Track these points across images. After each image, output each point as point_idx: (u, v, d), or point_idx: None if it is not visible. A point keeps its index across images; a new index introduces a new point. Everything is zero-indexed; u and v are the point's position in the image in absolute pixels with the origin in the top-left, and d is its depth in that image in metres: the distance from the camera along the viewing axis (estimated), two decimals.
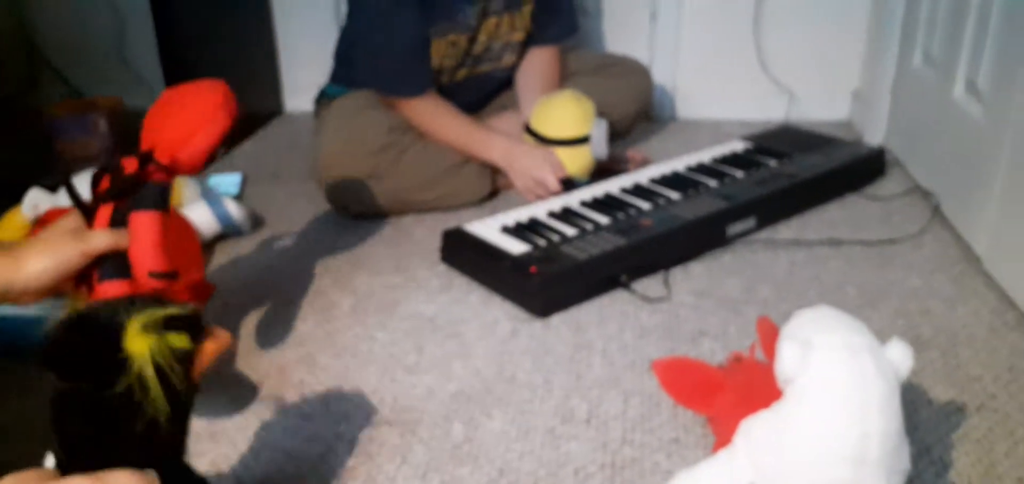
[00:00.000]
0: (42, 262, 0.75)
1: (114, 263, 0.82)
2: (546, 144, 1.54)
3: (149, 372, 0.56)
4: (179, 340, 0.58)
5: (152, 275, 0.83)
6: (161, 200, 0.84)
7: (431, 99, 1.58)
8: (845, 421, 0.67)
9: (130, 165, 0.85)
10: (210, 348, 0.62)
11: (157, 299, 0.61)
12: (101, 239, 0.78)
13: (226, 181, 1.71)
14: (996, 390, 0.96)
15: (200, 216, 1.38)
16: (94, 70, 2.29)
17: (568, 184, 1.52)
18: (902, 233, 1.39)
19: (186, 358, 0.59)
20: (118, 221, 0.82)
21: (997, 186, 1.22)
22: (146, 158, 0.86)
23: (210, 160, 0.95)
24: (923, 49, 1.62)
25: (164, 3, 1.72)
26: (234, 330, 1.16)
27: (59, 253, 0.75)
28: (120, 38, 2.27)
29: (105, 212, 0.83)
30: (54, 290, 0.77)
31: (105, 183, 0.84)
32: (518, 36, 1.67)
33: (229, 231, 1.44)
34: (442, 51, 1.58)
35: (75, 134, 1.90)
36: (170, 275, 0.84)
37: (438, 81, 1.62)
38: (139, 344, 0.56)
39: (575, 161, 1.54)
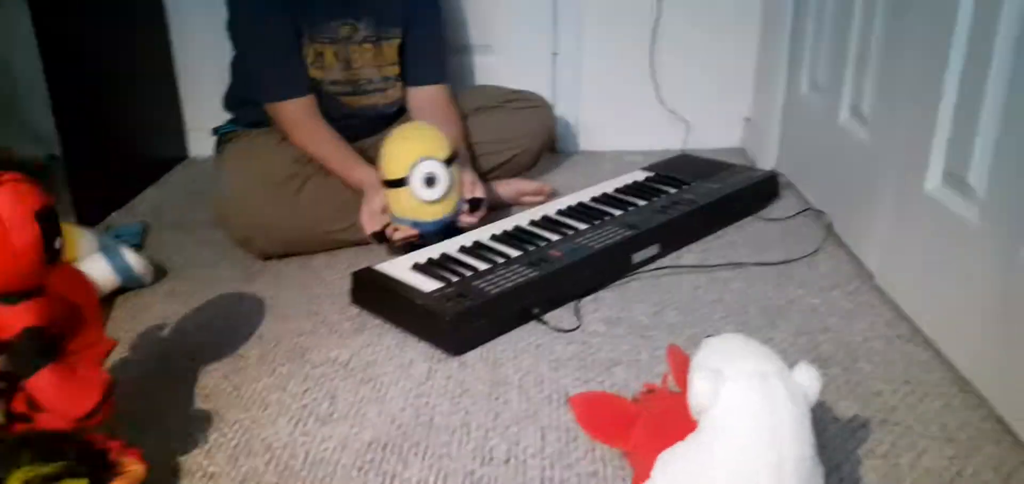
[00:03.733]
0: None
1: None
2: (385, 186, 1.43)
3: None
4: None
5: (80, 421, 0.77)
6: (44, 352, 0.78)
7: (311, 116, 1.57)
8: (760, 449, 0.70)
9: None
10: None
11: (55, 439, 0.55)
12: None
13: (126, 231, 1.64)
14: (896, 403, 1.01)
15: (98, 269, 1.32)
16: None
17: (379, 237, 1.45)
18: (798, 253, 1.45)
19: None
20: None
21: (885, 205, 1.30)
22: None
23: (43, 262, 0.81)
24: (809, 77, 1.71)
25: (56, 48, 1.64)
26: (135, 387, 1.11)
27: None
28: (9, 84, 2.16)
29: None
30: None
31: None
32: (394, 69, 1.69)
33: (130, 283, 1.38)
34: (311, 59, 1.59)
35: None
36: (97, 409, 0.78)
37: (326, 109, 1.60)
38: None
39: (401, 203, 1.42)
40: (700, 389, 0.71)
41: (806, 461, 0.71)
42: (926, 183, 1.16)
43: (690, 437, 0.73)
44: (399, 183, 1.41)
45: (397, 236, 1.44)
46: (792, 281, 1.35)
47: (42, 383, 0.76)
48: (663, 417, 0.79)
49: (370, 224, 1.45)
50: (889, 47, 1.31)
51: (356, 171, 1.52)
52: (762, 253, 1.46)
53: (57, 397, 0.76)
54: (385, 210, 1.45)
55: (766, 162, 1.91)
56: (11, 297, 0.79)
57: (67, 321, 1.05)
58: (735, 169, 1.72)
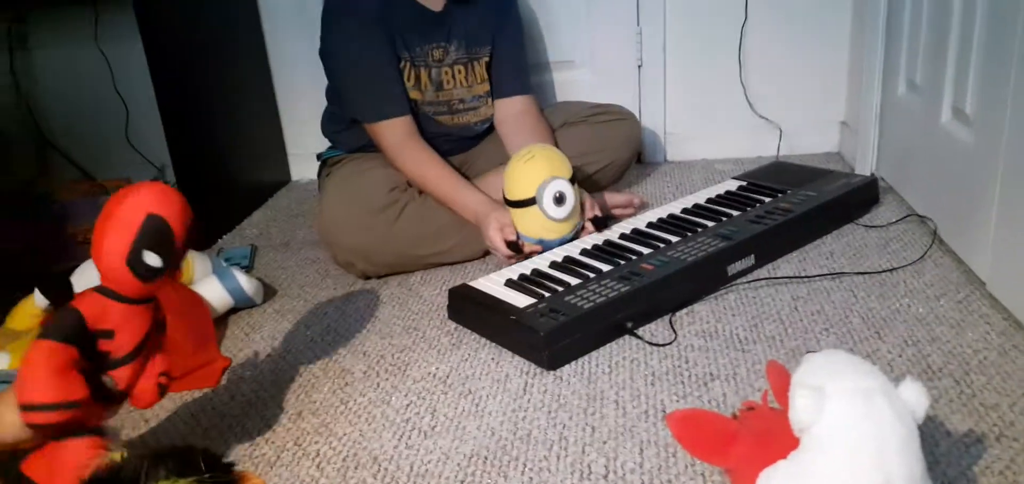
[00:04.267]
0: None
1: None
2: (509, 206, 1.51)
3: None
4: None
5: (25, 408, 0.78)
6: (54, 330, 0.82)
7: (413, 138, 1.62)
8: (865, 468, 0.68)
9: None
10: None
11: (187, 453, 0.58)
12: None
13: (236, 254, 1.74)
14: (1014, 417, 0.97)
15: (211, 292, 1.40)
16: (102, 154, 2.33)
17: (515, 246, 1.48)
18: (902, 261, 1.41)
19: None
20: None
21: (994, 208, 1.25)
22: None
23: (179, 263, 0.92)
24: (906, 77, 1.66)
25: (168, 85, 1.75)
26: (248, 402, 1.18)
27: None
28: (126, 121, 2.32)
29: None
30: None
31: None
32: (482, 87, 1.72)
33: (242, 304, 1.46)
34: (407, 80, 1.63)
35: (85, 217, 1.92)
36: (49, 407, 0.79)
37: (421, 128, 1.66)
38: None
39: (529, 222, 1.48)
40: (802, 406, 0.71)
41: (916, 480, 0.70)
42: None
43: (792, 455, 0.73)
44: (527, 203, 1.47)
45: (526, 249, 1.49)
46: (897, 290, 1.31)
47: (29, 352, 0.81)
48: (764, 434, 0.79)
49: (502, 237, 1.49)
50: (992, 43, 1.26)
51: (464, 196, 1.57)
52: (863, 262, 1.42)
53: (25, 370, 0.80)
54: (509, 227, 1.50)
55: (864, 167, 1.86)
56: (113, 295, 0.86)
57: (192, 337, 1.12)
58: (832, 175, 1.68)
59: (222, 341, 1.38)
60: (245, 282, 1.45)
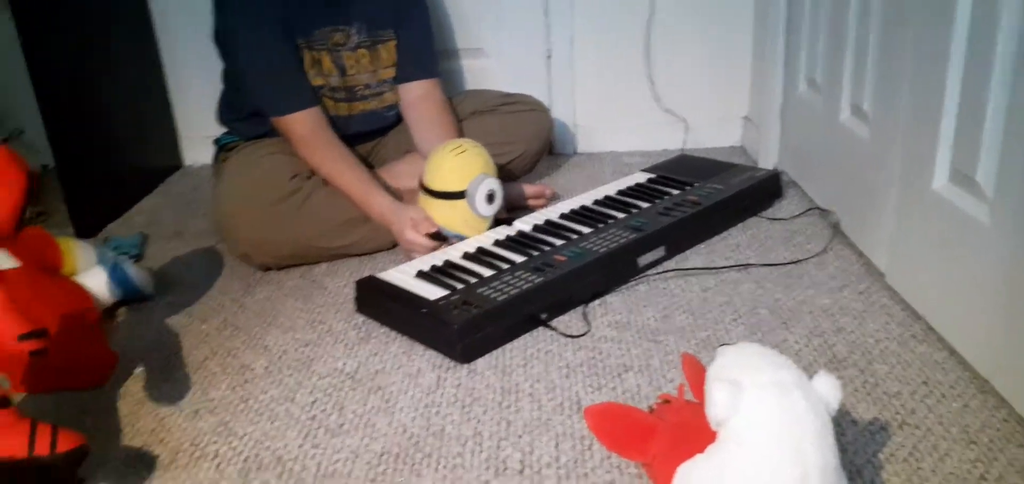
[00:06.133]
0: None
1: None
2: (431, 196, 1.48)
3: None
4: None
5: (22, 338, 0.78)
6: None
7: (322, 132, 1.56)
8: (783, 461, 0.69)
9: None
10: None
11: (20, 468, 0.51)
12: None
13: (125, 243, 1.62)
14: (915, 405, 1.00)
15: (97, 283, 1.30)
16: None
17: (440, 236, 1.46)
18: (806, 253, 1.44)
19: None
20: None
21: (892, 203, 1.29)
22: None
23: (14, 224, 0.93)
24: (806, 75, 1.70)
25: (43, 59, 1.62)
26: (140, 400, 1.09)
27: None
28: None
29: None
30: None
31: None
32: (388, 73, 1.68)
33: (131, 296, 1.36)
34: (308, 65, 1.58)
35: None
36: (39, 333, 0.79)
37: (327, 115, 1.59)
38: None
39: (454, 216, 1.46)
40: (719, 400, 0.70)
41: (830, 472, 0.70)
42: (933, 181, 1.15)
43: (710, 449, 0.72)
44: (454, 196, 1.44)
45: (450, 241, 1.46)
46: (801, 282, 1.34)
47: None
48: (681, 428, 0.78)
49: (419, 231, 1.44)
50: (887, 44, 1.31)
51: (374, 200, 1.51)
52: (769, 254, 1.45)
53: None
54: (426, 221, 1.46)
55: (767, 161, 1.91)
56: None
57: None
58: (737, 169, 1.71)
59: (110, 336, 1.28)
60: (134, 273, 1.35)
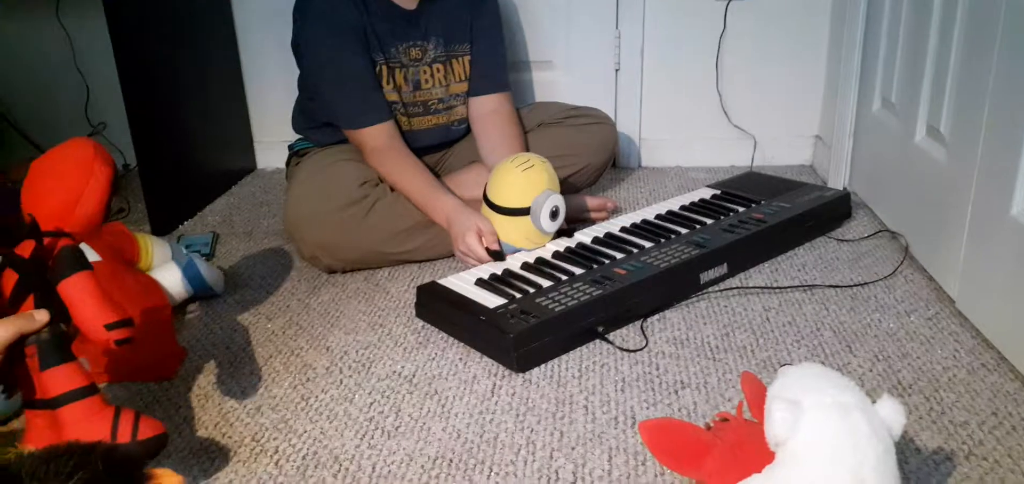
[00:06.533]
0: None
1: (51, 348, 0.81)
2: (494, 211, 1.48)
3: None
4: None
5: (109, 327, 0.82)
6: (80, 260, 0.84)
7: (395, 144, 1.58)
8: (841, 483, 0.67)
9: (26, 248, 0.84)
10: None
11: (82, 452, 0.54)
12: (1, 333, 0.76)
13: (197, 241, 1.68)
14: (983, 436, 0.97)
15: (170, 279, 1.35)
16: (62, 133, 2.25)
17: (499, 255, 1.44)
18: (873, 275, 1.40)
19: None
20: (41, 303, 0.81)
21: (965, 228, 1.25)
22: (37, 234, 0.84)
23: (103, 216, 0.95)
24: (882, 94, 1.66)
25: (132, 63, 1.70)
26: (205, 395, 1.13)
27: None
28: (86, 99, 2.25)
29: (28, 301, 0.82)
30: None
31: (10, 275, 0.82)
32: (461, 87, 1.69)
33: (201, 293, 1.41)
34: (383, 81, 1.60)
35: None
36: (126, 322, 0.82)
37: (398, 128, 1.62)
38: None
39: (516, 231, 1.46)
40: (779, 420, 0.69)
41: None
42: (1012, 207, 1.11)
43: (767, 469, 0.71)
44: (518, 212, 1.44)
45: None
46: (868, 305, 1.31)
47: (71, 289, 0.82)
48: (738, 447, 0.77)
49: (480, 247, 1.44)
50: (969, 65, 1.26)
51: (439, 201, 1.52)
52: (835, 275, 1.42)
53: (82, 301, 0.82)
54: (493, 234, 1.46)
55: (837, 181, 1.87)
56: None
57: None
58: (806, 188, 1.68)
59: (180, 331, 1.33)
60: (206, 270, 1.40)
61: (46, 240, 0.84)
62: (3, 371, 0.76)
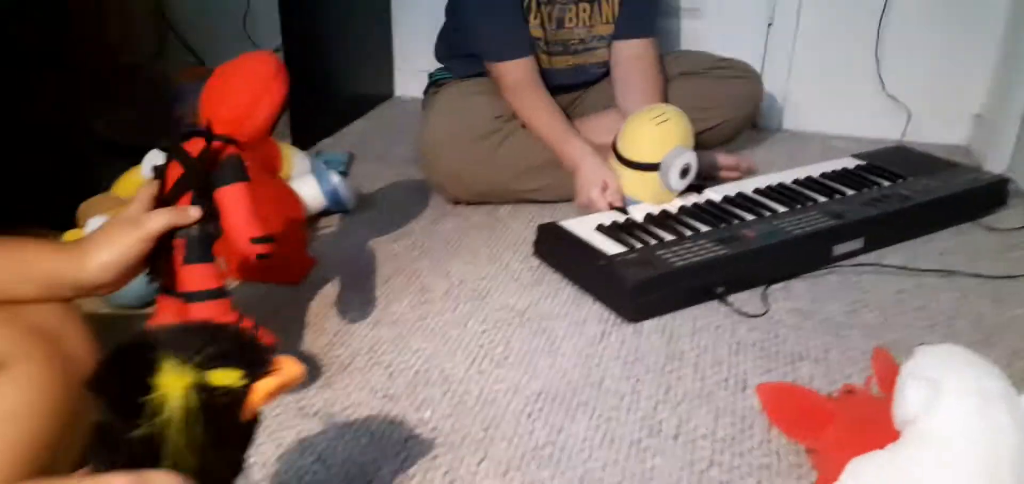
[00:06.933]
0: (104, 255, 0.74)
1: (197, 246, 0.85)
2: (622, 163, 1.45)
3: (177, 416, 0.50)
4: (224, 377, 0.52)
5: (254, 241, 0.86)
6: (241, 171, 0.88)
7: (533, 81, 1.58)
8: (975, 475, 0.63)
9: (194, 146, 0.88)
10: (268, 387, 0.54)
11: (214, 330, 0.55)
12: (157, 221, 0.79)
13: (335, 159, 1.76)
14: None
15: (308, 190, 1.42)
16: (219, 42, 2.38)
17: (623, 212, 1.41)
18: (1022, 269, 1.30)
19: (233, 398, 0.52)
20: (198, 201, 0.85)
21: None
22: (209, 136, 0.88)
23: (270, 131, 0.97)
24: None
25: None
26: (328, 304, 1.19)
27: (118, 244, 0.76)
28: (245, 10, 2.36)
29: (186, 197, 0.86)
30: (125, 279, 0.78)
31: (175, 169, 0.87)
32: (606, 28, 1.66)
33: (335, 207, 1.48)
34: (529, 19, 1.59)
35: (194, 101, 1.97)
36: (269, 239, 0.87)
37: (539, 64, 1.62)
38: (172, 383, 0.50)
39: (644, 187, 1.43)
40: (914, 397, 0.66)
41: None
42: None
43: (890, 447, 0.68)
44: (647, 167, 1.41)
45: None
46: (1013, 299, 1.21)
47: (228, 197, 0.87)
48: (861, 421, 0.74)
49: (602, 201, 1.43)
50: None
51: (570, 146, 1.51)
52: (979, 264, 1.32)
53: (235, 211, 0.87)
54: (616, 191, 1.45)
55: (996, 165, 1.73)
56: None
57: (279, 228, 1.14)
58: (959, 168, 1.57)
59: (311, 241, 1.40)
60: (341, 186, 1.46)
61: (215, 143, 0.89)
62: (152, 258, 0.81)
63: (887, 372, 0.77)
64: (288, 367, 0.55)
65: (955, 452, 0.65)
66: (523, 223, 1.48)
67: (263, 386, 0.54)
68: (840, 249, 1.32)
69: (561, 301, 1.21)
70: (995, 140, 1.75)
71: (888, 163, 1.59)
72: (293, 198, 1.34)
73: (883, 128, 1.98)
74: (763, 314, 1.17)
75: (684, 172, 1.41)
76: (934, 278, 1.28)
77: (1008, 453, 0.64)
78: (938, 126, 1.96)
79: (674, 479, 0.85)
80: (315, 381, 1.01)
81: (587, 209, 1.46)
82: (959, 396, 0.66)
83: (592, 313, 1.17)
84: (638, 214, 1.37)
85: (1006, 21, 1.83)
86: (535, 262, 1.33)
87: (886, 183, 1.49)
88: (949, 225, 1.45)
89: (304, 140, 1.87)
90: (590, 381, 1.01)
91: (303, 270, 1.26)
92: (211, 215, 0.86)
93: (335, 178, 1.46)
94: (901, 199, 1.41)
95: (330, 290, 1.24)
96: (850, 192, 1.45)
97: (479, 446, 0.90)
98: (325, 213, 1.49)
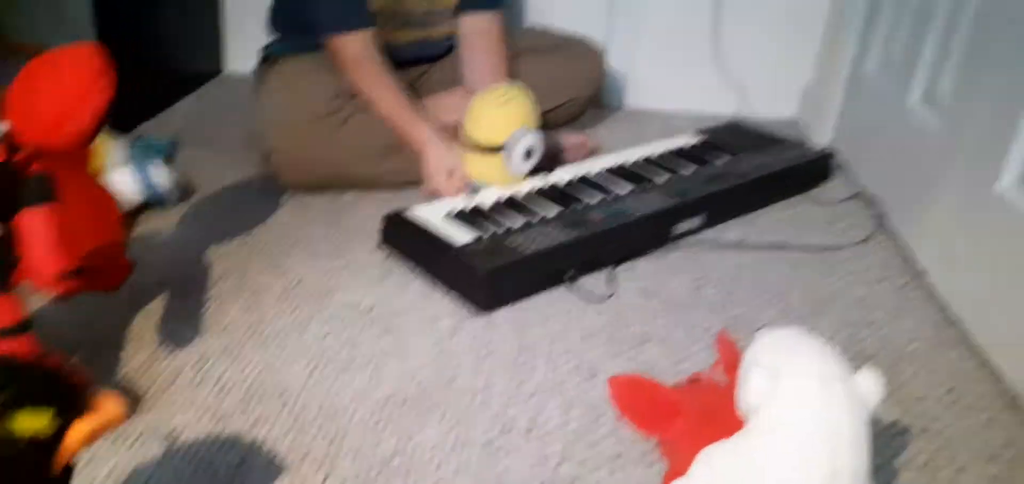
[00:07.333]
0: None
1: None
2: (469, 145, 1.42)
3: None
4: (31, 422, 0.46)
5: (59, 278, 0.76)
6: (48, 191, 0.78)
7: (373, 56, 1.50)
8: (814, 458, 0.64)
9: None
10: (84, 430, 0.48)
11: (16, 367, 0.49)
12: None
13: (156, 145, 1.61)
14: (939, 412, 0.95)
15: (123, 182, 1.29)
16: (15, 10, 2.13)
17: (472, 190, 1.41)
18: (847, 240, 1.38)
19: (42, 446, 0.46)
20: None
21: (948, 200, 1.22)
22: (12, 147, 0.77)
23: (90, 140, 0.84)
24: (883, 52, 1.61)
25: None
26: (149, 312, 1.08)
27: None
28: None
29: None
30: None
31: None
32: (447, 1, 1.61)
33: (154, 200, 1.35)
34: None
35: None
36: (77, 271, 0.77)
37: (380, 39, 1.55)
38: None
39: (490, 170, 1.41)
40: (756, 386, 0.66)
41: (861, 476, 0.66)
42: (999, 183, 1.08)
43: (737, 436, 0.68)
44: (493, 149, 1.38)
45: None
46: (838, 269, 1.28)
47: (29, 223, 0.77)
48: (709, 409, 0.74)
49: (449, 188, 1.40)
50: (980, 31, 1.21)
51: (415, 129, 1.46)
52: (808, 236, 1.39)
53: (36, 241, 0.77)
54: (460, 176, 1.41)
55: (821, 138, 1.82)
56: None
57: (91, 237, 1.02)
58: (788, 144, 1.64)
59: (129, 241, 1.27)
60: (161, 176, 1.34)
61: (19, 155, 0.77)
62: None
63: (731, 358, 0.78)
64: (107, 405, 0.49)
65: (796, 436, 0.66)
66: (369, 211, 1.41)
67: (78, 429, 0.47)
68: (681, 227, 1.34)
69: (410, 295, 1.16)
70: (820, 114, 1.85)
71: (723, 139, 1.65)
72: (109, 201, 1.21)
73: (719, 104, 2.05)
74: (610, 296, 1.17)
75: (528, 154, 1.40)
76: (769, 252, 1.33)
77: (845, 434, 0.66)
78: (770, 101, 2.04)
79: (527, 478, 0.83)
80: (134, 404, 0.91)
81: (435, 194, 1.42)
82: (798, 381, 0.67)
83: (443, 307, 1.13)
84: (487, 200, 1.33)
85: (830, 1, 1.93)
86: (382, 254, 1.27)
87: (722, 160, 1.54)
88: (782, 199, 1.52)
89: (121, 124, 1.70)
90: (441, 381, 0.98)
91: (120, 276, 1.13)
92: (6, 242, 0.75)
93: (155, 167, 1.33)
94: (738, 176, 1.46)
95: (150, 297, 1.13)
96: (690, 170, 1.48)
97: (322, 464, 0.84)
98: (145, 207, 1.36)
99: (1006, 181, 1.07)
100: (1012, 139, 1.06)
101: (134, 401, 0.92)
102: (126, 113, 1.73)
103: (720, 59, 2.02)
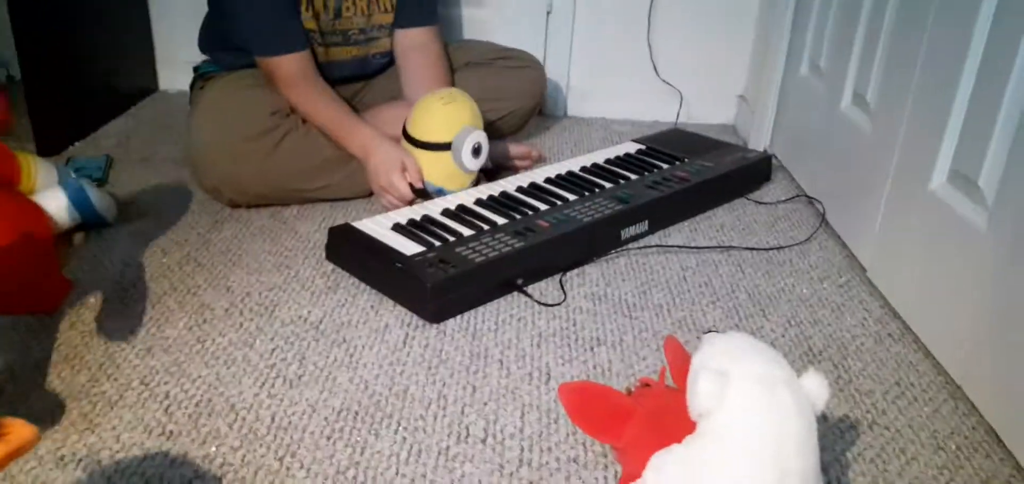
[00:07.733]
0: None
1: None
2: (414, 146, 1.42)
3: None
4: None
5: None
6: None
7: (309, 75, 1.49)
8: (762, 461, 0.65)
9: None
10: None
11: None
12: None
13: (89, 165, 1.56)
14: (886, 405, 0.98)
15: (56, 204, 1.24)
16: None
17: (424, 193, 1.41)
18: (789, 240, 1.41)
19: None
20: None
21: (882, 198, 1.26)
22: None
23: None
24: (810, 58, 1.66)
25: None
26: (90, 333, 1.05)
27: None
28: None
29: None
30: None
31: None
32: (385, 18, 1.61)
33: (90, 221, 1.30)
34: (301, 11, 1.50)
35: None
36: None
37: (315, 59, 1.53)
38: None
39: (437, 168, 1.42)
40: (703, 391, 0.67)
41: (809, 477, 0.67)
42: (931, 181, 1.12)
43: (687, 440, 0.69)
44: (440, 147, 1.39)
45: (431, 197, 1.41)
46: (782, 269, 1.31)
47: None
48: (659, 416, 0.75)
49: (404, 182, 1.39)
50: (901, 35, 1.26)
51: (358, 134, 1.44)
52: (752, 237, 1.42)
53: None
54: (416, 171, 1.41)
55: (758, 143, 1.87)
56: None
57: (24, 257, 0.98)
58: (729, 148, 1.67)
59: (65, 262, 1.22)
60: (96, 197, 1.29)
61: None
62: None
63: (679, 362, 0.78)
64: (17, 431, 0.47)
65: (744, 439, 0.67)
66: (313, 225, 1.39)
67: None
68: (628, 232, 1.36)
69: (359, 308, 1.14)
70: (757, 119, 1.90)
71: (665, 146, 1.67)
72: (37, 214, 1.17)
73: (659, 111, 2.09)
74: (561, 303, 1.18)
75: (476, 151, 1.40)
76: (714, 254, 1.35)
77: (793, 435, 0.67)
78: (708, 107, 2.09)
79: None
80: (77, 425, 0.88)
81: (386, 193, 1.41)
82: (745, 385, 0.68)
83: (393, 318, 1.12)
84: (434, 210, 1.33)
85: (760, 6, 1.98)
86: (328, 267, 1.25)
87: (665, 166, 1.56)
88: (723, 202, 1.55)
89: (51, 145, 1.65)
90: (394, 391, 0.96)
91: (57, 296, 1.10)
92: None
93: (88, 188, 1.29)
94: (680, 180, 1.48)
95: (91, 316, 1.09)
96: (633, 176, 1.50)
97: (275, 478, 0.82)
98: (80, 227, 1.31)
99: (937, 180, 1.11)
100: (940, 140, 1.10)
101: (76, 414, 0.88)
102: (56, 133, 1.67)
103: (658, 67, 2.06)
